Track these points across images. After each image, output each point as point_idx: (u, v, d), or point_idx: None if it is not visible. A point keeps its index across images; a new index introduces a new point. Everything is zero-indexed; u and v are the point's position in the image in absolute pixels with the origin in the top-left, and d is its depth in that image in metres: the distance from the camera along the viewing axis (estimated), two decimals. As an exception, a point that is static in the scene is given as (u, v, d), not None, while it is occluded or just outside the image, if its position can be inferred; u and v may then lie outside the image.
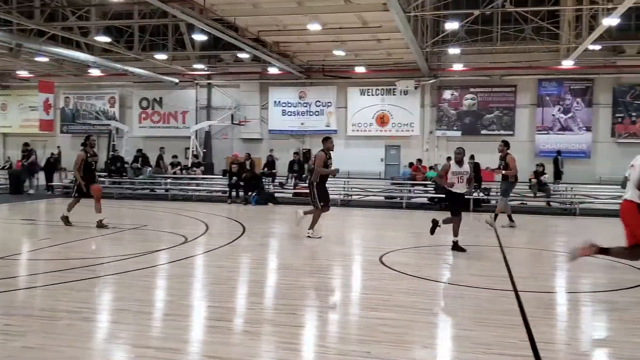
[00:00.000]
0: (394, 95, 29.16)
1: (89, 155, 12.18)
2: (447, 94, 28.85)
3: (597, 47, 23.21)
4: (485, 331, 5.40)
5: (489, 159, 25.67)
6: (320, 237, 11.19)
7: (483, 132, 28.35)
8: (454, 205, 10.10)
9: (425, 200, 19.52)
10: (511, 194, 19.22)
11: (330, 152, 11.37)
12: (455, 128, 28.72)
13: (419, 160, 23.39)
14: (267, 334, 5.34)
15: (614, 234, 13.64)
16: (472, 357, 4.74)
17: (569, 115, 27.88)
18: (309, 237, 11.15)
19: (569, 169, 26.13)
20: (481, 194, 18.64)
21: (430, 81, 28.34)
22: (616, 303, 6.67)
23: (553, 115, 27.96)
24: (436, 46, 25.73)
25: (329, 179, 11.62)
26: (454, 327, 5.71)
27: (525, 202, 18.81)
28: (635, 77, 26.95)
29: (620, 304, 6.59)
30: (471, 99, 28.59)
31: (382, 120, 29.51)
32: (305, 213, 11.41)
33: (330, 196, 20.62)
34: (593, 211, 17.32)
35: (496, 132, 28.10)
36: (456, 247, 9.87)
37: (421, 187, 20.33)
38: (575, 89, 27.80)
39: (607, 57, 26.09)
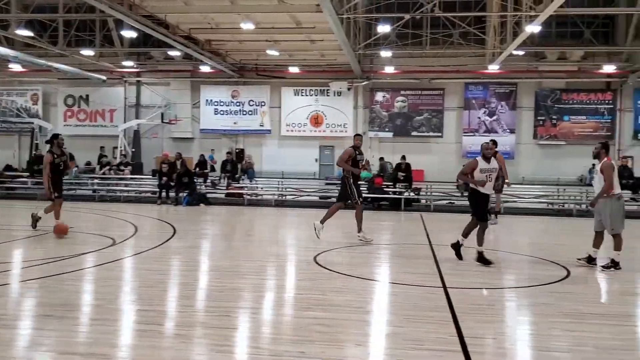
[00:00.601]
0: (328, 96, 29.37)
1: (55, 156, 11.10)
2: (379, 96, 29.32)
3: (521, 53, 24.21)
4: (416, 327, 5.52)
5: (419, 159, 26.40)
6: (371, 240, 10.94)
7: (413, 133, 29.00)
8: (479, 208, 8.94)
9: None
10: (440, 194, 19.86)
11: (359, 148, 11.09)
12: (387, 129, 29.24)
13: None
14: (199, 337, 5.25)
15: (536, 230, 14.31)
16: (404, 353, 4.84)
17: (494, 118, 28.96)
18: (361, 240, 10.82)
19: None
20: (412, 194, 19.06)
21: (363, 83, 28.73)
22: (538, 297, 6.97)
23: (479, 117, 28.95)
24: (368, 49, 26.11)
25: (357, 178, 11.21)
26: (386, 325, 5.80)
27: (452, 201, 19.39)
28: (556, 82, 28.31)
29: (542, 299, 6.89)
30: (402, 101, 29.19)
31: (316, 120, 29.66)
32: (322, 222, 11.03)
33: (264, 197, 20.74)
34: (517, 210, 18.06)
35: (426, 134, 28.84)
36: (482, 258, 8.83)
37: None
38: (500, 93, 28.90)
39: (529, 63, 27.26)
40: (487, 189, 8.84)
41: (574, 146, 28.06)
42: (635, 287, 7.93)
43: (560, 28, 28.17)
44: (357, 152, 10.97)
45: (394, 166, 21.13)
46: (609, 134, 27.99)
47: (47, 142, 11.53)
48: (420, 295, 6.85)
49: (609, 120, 28.30)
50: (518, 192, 20.60)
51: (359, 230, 11.06)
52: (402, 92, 29.13)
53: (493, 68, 25.77)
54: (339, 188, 11.53)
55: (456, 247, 9.19)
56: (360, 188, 11.37)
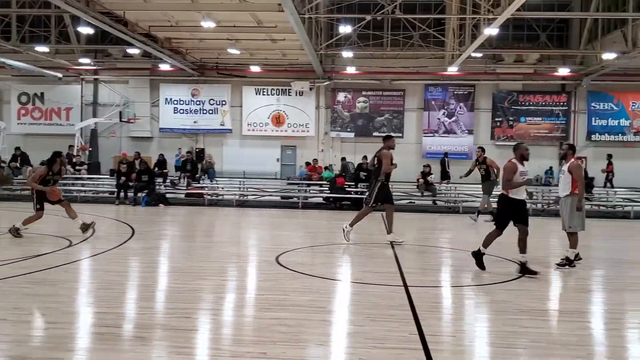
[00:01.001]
0: (290, 95, 29.33)
1: (51, 173, 11.03)
2: (340, 96, 29.44)
3: (479, 55, 24.67)
4: (377, 326, 5.56)
5: (380, 159, 26.55)
6: (403, 241, 10.87)
7: (375, 133, 29.22)
8: (507, 216, 8.22)
9: (320, 200, 19.81)
10: (400, 194, 20.06)
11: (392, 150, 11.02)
12: (349, 129, 29.39)
13: (315, 160, 23.71)
14: (158, 339, 5.17)
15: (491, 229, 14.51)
16: (365, 352, 4.87)
17: (453, 119, 29.43)
18: (392, 242, 10.71)
19: (453, 169, 27.55)
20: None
21: (325, 83, 28.80)
22: (496, 295, 7.12)
23: (438, 119, 29.37)
24: (330, 49, 26.20)
25: None
26: (348, 324, 5.83)
27: (413, 201, 19.64)
28: (513, 84, 28.95)
29: (499, 296, 7.04)
30: (363, 101, 29.38)
31: (277, 120, 29.57)
32: (352, 224, 10.95)
33: (225, 197, 20.56)
34: (475, 209, 18.37)
35: (387, 134, 29.09)
36: (525, 269, 8.07)
37: (317, 187, 20.60)
38: (459, 94, 29.39)
39: (487, 65, 27.80)
40: (521, 194, 8.22)
41: (530, 147, 28.62)
42: (589, 284, 8.17)
43: (517, 31, 28.83)
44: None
45: (355, 166, 21.26)
46: (564, 135, 28.78)
47: (48, 160, 11.24)
48: (382, 294, 6.91)
49: (564, 122, 29.09)
50: (476, 192, 20.94)
51: (389, 232, 10.92)
52: (364, 93, 29.32)
53: (452, 70, 26.18)
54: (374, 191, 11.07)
55: (525, 269, 8.08)
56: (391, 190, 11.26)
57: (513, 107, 29.17)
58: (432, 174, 20.14)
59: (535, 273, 7.98)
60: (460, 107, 29.36)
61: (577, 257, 8.94)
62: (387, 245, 10.75)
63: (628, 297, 7.36)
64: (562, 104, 29.11)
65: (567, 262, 8.76)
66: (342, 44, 26.06)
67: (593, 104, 28.95)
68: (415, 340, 5.15)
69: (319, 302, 6.49)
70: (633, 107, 28.59)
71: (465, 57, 23.46)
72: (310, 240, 11.58)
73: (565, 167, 8.99)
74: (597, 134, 28.83)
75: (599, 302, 7.15)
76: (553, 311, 6.50)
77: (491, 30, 18.52)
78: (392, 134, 25.31)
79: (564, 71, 27.10)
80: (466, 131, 29.31)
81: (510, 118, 29.17)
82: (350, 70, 27.47)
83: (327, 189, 19.65)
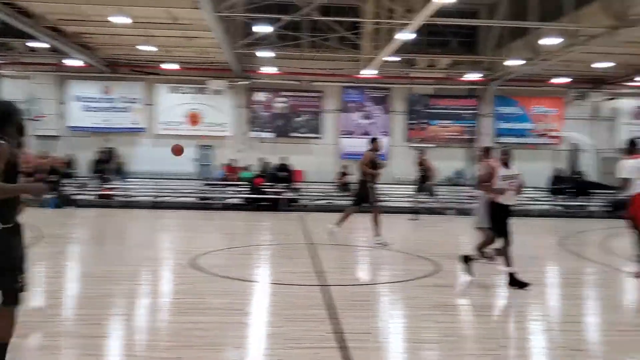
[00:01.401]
0: (206, 94, 28.80)
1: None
2: (259, 96, 29.27)
3: (394, 59, 25.29)
4: (295, 326, 5.57)
5: (299, 160, 26.71)
6: (388, 244, 10.81)
7: (294, 134, 29.30)
8: (500, 222, 7.61)
9: (239, 200, 19.61)
10: (319, 194, 20.22)
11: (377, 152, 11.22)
12: (268, 130, 29.29)
13: (233, 161, 23.42)
14: (68, 347, 4.93)
15: (409, 227, 14.96)
16: (284, 352, 4.86)
17: (370, 121, 30.03)
18: (378, 244, 10.72)
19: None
20: (291, 194, 19.25)
21: (243, 83, 28.55)
22: (411, 291, 7.32)
23: (356, 120, 29.89)
24: (248, 48, 26.00)
25: None
26: (266, 325, 5.80)
27: (331, 201, 19.87)
28: (426, 88, 29.92)
29: (414, 292, 7.24)
30: (282, 102, 29.38)
31: (193, 119, 28.99)
32: (339, 223, 11.04)
33: (138, 198, 19.92)
34: (391, 208, 18.84)
35: (306, 135, 29.25)
36: (515, 281, 7.55)
37: (235, 188, 20.38)
38: (375, 97, 30.00)
39: (402, 69, 28.56)
40: (507, 199, 7.64)
41: (442, 149, 29.76)
42: (497, 280, 8.55)
43: (430, 37, 29.82)
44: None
45: (274, 166, 21.23)
46: (473, 137, 30.08)
47: None
48: (300, 295, 6.92)
49: (473, 125, 30.41)
50: (392, 191, 21.50)
51: (376, 234, 10.95)
52: (283, 93, 29.32)
53: (368, 73, 26.71)
54: (357, 191, 11.36)
55: (514, 280, 7.61)
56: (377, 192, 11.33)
57: (426, 110, 30.15)
58: (350, 174, 20.45)
59: (525, 285, 7.47)
60: (376, 110, 30.01)
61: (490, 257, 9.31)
62: (305, 245, 10.80)
63: (532, 291, 7.77)
64: (471, 107, 30.40)
65: (488, 257, 9.15)
66: (260, 43, 25.93)
67: (499, 108, 30.47)
68: (332, 339, 5.20)
69: (236, 305, 6.41)
70: (535, 111, 30.34)
71: (381, 61, 24.00)
72: (228, 242, 11.44)
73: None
74: (503, 136, 30.32)
75: (506, 297, 7.51)
76: (464, 306, 6.76)
77: (405, 36, 19.03)
78: (312, 135, 25.49)
79: (473, 76, 28.31)
80: (383, 133, 29.98)
81: (423, 121, 30.13)
82: (269, 70, 27.39)
83: (245, 189, 19.49)
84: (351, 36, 25.08)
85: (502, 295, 7.63)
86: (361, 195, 11.24)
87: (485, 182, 7.75)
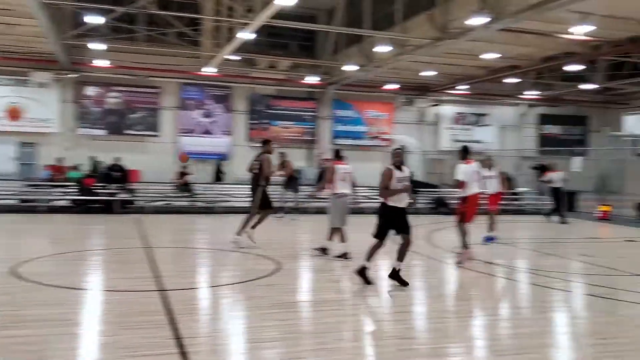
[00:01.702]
0: (29, 87, 26.38)
1: None
2: (90, 91, 27.47)
3: (235, 58, 25.19)
4: (131, 334, 5.30)
5: (135, 159, 25.52)
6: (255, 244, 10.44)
7: (128, 132, 27.94)
8: (387, 225, 7.66)
9: (67, 202, 18.19)
10: (156, 195, 19.52)
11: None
12: (99, 127, 27.57)
13: (60, 160, 21.71)
14: None
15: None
16: (118, 363, 4.60)
17: (211, 119, 29.63)
18: (235, 242, 10.44)
19: (211, 170, 27.72)
20: (126, 195, 18.32)
21: (71, 75, 26.58)
22: (253, 291, 7.32)
23: (196, 118, 29.31)
24: (78, 39, 24.26)
25: None
26: (99, 335, 5.44)
27: (170, 202, 19.22)
28: (267, 88, 30.24)
29: (256, 292, 7.25)
30: (116, 97, 27.87)
31: (13, 114, 26.39)
32: (253, 227, 10.59)
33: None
34: (232, 209, 18.73)
35: (142, 132, 28.04)
36: (397, 276, 7.72)
37: (62, 189, 18.86)
38: (216, 95, 29.67)
39: (243, 68, 28.56)
40: (400, 201, 7.65)
41: (283, 149, 30.23)
42: (339, 276, 8.88)
43: (271, 38, 30.19)
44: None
45: (107, 166, 20.04)
46: (313, 138, 30.99)
47: None
48: (136, 301, 6.61)
49: (312, 126, 31.34)
50: (233, 191, 21.37)
51: (238, 234, 10.60)
52: (117, 88, 27.80)
53: (209, 71, 26.31)
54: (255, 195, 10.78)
55: (396, 275, 7.74)
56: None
57: (267, 110, 30.48)
58: (190, 173, 19.97)
59: (406, 284, 7.64)
60: (217, 108, 29.68)
61: (325, 251, 9.69)
62: (141, 249, 10.32)
63: (367, 285, 8.18)
64: (310, 109, 31.32)
65: (343, 255, 9.52)
66: (92, 35, 24.32)
67: (337, 111, 31.76)
68: (171, 345, 5.02)
69: (65, 315, 5.93)
70: (369, 115, 32.08)
71: (222, 59, 23.77)
72: (54, 248, 10.56)
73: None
74: (340, 138, 31.65)
75: (344, 292, 7.82)
76: (306, 302, 6.91)
77: (245, 35, 19.04)
78: (149, 132, 24.71)
79: (312, 79, 29.17)
80: (224, 132, 29.74)
81: (265, 121, 30.42)
82: (102, 63, 25.80)
83: (74, 191, 18.15)
84: (191, 32, 24.54)
85: (340, 290, 7.93)
86: (264, 199, 10.85)
87: (386, 187, 7.59)
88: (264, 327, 5.72)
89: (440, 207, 18.63)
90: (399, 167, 7.77)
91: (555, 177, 16.97)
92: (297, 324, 5.88)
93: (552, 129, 35.45)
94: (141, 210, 17.65)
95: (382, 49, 21.64)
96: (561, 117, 35.37)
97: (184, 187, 19.20)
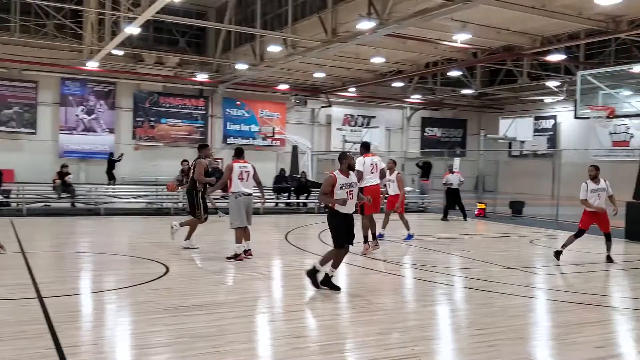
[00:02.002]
0: None
1: None
2: (-45, 83, 25.20)
3: (120, 53, 24.18)
4: (7, 346, 4.93)
5: (8, 157, 23.75)
6: (198, 248, 10.39)
7: (2, 128, 25.95)
8: (344, 232, 7.40)
9: None
10: (34, 196, 18.30)
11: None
12: (-34, 123, 25.36)
13: None
14: None
15: (136, 230, 14.46)
16: (-10, 379, 4.25)
17: (93, 116, 28.22)
18: (187, 248, 10.28)
19: (94, 169, 26.44)
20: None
21: None
22: (139, 296, 7.06)
23: (77, 115, 27.78)
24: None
25: None
26: (-33, 350, 5.01)
27: (49, 204, 18.04)
28: (153, 85, 29.27)
29: (142, 297, 7.00)
30: (-14, 91, 25.77)
31: None
32: (182, 224, 10.52)
33: None
34: (116, 210, 17.96)
35: (16, 130, 26.17)
36: (329, 282, 7.47)
37: None
38: (99, 91, 28.33)
39: (128, 64, 27.47)
40: (348, 208, 7.40)
41: (171, 148, 29.51)
42: (231, 277, 8.78)
43: (158, 33, 29.29)
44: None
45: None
46: (203, 137, 30.42)
47: None
48: (11, 310, 6.15)
49: (202, 125, 30.77)
50: (118, 192, 20.50)
51: (187, 238, 10.48)
52: (-13, 82, 25.73)
53: (91, 65, 25.05)
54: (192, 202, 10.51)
55: (328, 281, 7.48)
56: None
57: (154, 108, 29.52)
58: (70, 173, 18.84)
59: (338, 289, 7.47)
60: (100, 105, 28.33)
61: (238, 255, 9.55)
62: (17, 254, 9.62)
63: (259, 284, 8.18)
64: (200, 108, 30.74)
65: (233, 256, 9.41)
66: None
67: (228, 110, 31.41)
68: (52, 355, 4.73)
69: None
70: (261, 114, 32.03)
71: (105, 54, 22.73)
72: None
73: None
74: (231, 137, 31.33)
75: (236, 292, 7.76)
76: (194, 306, 6.77)
77: (131, 30, 18.34)
78: (25, 130, 23.34)
79: (202, 77, 28.63)
80: (107, 130, 28.44)
81: (152, 119, 29.45)
82: (-31, 54, 23.77)
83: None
84: (72, 25, 23.23)
85: (232, 291, 7.87)
86: (199, 205, 10.50)
87: (326, 193, 7.34)
88: (152, 332, 5.54)
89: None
90: (346, 173, 7.47)
91: (452, 179, 17.99)
92: (188, 328, 5.74)
93: (434, 131, 37.38)
94: (17, 213, 16.43)
95: (273, 48, 21.73)
96: (442, 120, 37.42)
97: (63, 187, 18.05)
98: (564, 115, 31.12)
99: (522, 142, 25.82)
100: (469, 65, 27.48)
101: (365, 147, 10.68)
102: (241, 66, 25.02)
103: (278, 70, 25.51)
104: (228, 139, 31.19)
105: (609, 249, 10.36)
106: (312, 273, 7.47)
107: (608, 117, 14.93)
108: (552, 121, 32.86)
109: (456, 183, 17.88)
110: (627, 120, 23.40)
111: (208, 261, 9.67)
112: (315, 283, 7.44)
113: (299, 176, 20.75)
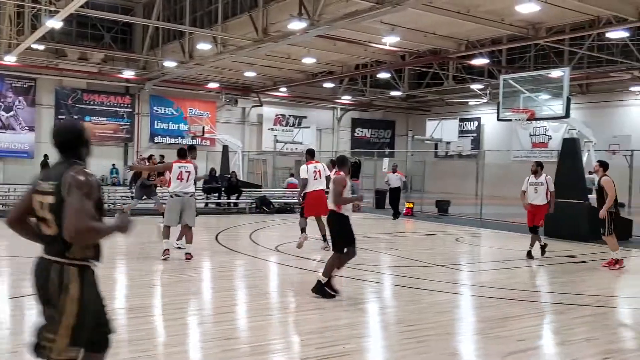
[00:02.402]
0: None
1: None
2: None
3: (41, 47, 23.13)
4: None
5: None
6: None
7: None
8: (350, 235, 7.20)
9: None
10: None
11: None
12: None
13: None
14: None
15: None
16: None
17: (11, 113, 26.85)
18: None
19: (12, 169, 25.17)
20: None
21: None
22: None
23: (-6, 112, 26.34)
24: None
25: None
26: None
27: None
28: (77, 82, 28.16)
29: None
30: None
31: None
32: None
33: None
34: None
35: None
36: (330, 287, 7.22)
37: None
38: (18, 87, 26.98)
39: (50, 59, 26.30)
40: (350, 211, 7.35)
41: (95, 147, 28.44)
42: (153, 279, 8.56)
43: (82, 28, 28.20)
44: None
45: None
46: (129, 136, 29.56)
47: None
48: None
49: (129, 123, 29.88)
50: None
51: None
52: None
53: (9, 60, 23.81)
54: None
55: (329, 287, 7.24)
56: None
57: (77, 105, 28.42)
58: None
59: (334, 294, 7.21)
60: (19, 102, 26.98)
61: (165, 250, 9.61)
62: None
63: (190, 287, 8.01)
64: (126, 105, 29.85)
65: (191, 256, 9.56)
66: None
67: (155, 108, 30.64)
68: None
69: None
70: (191, 113, 31.45)
71: (25, 48, 21.66)
72: None
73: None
74: (159, 136, 30.60)
75: (164, 295, 7.57)
76: (120, 309, 6.56)
77: (53, 23, 17.58)
78: None
79: (128, 74, 27.80)
80: (27, 128, 27.12)
81: (75, 116, 28.31)
82: None
83: None
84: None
85: (161, 293, 7.68)
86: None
87: (341, 193, 7.09)
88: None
89: (262, 206, 18.88)
90: (348, 173, 7.46)
91: (392, 178, 18.46)
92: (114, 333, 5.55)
93: (364, 132, 37.97)
94: None
95: (203, 46, 21.39)
96: (372, 121, 38.06)
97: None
98: (488, 117, 32.33)
99: (448, 143, 26.67)
100: (397, 68, 28.08)
101: (310, 154, 11.03)
102: (169, 63, 24.49)
103: (208, 68, 25.14)
104: (156, 138, 30.44)
105: (532, 244, 10.88)
106: (319, 288, 7.15)
107: (528, 119, 15.61)
108: (476, 123, 34.08)
109: (395, 182, 18.38)
110: (545, 122, 24.62)
111: (135, 263, 9.40)
112: (327, 294, 7.14)
113: (229, 176, 20.51)
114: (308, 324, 6.13)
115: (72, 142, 3.20)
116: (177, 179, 9.51)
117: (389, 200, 18.62)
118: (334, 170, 7.70)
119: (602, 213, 9.66)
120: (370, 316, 6.81)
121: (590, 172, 12.45)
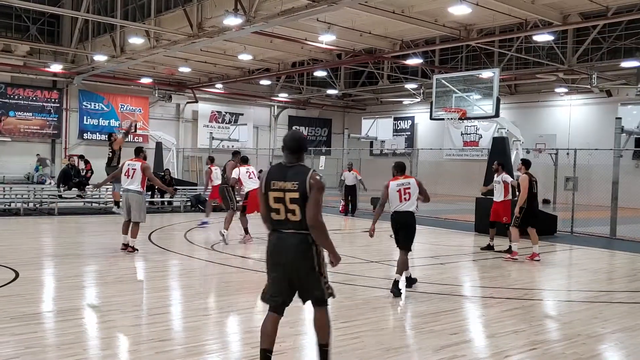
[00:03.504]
0: None
1: None
2: None
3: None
4: None
5: None
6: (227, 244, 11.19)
7: None
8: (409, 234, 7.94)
9: None
10: None
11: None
12: None
13: None
14: None
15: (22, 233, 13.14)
16: None
17: None
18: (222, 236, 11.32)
19: None
20: None
21: None
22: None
23: None
24: None
25: None
26: None
27: None
28: (1, 75, 26.83)
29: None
30: None
31: None
32: (226, 228, 11.45)
33: None
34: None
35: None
36: (409, 281, 8.03)
37: None
38: None
39: (-31, 50, 24.92)
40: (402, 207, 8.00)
41: (20, 143, 27.30)
42: (83, 281, 8.26)
43: (5, 19, 26.88)
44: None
45: None
46: (56, 132, 28.42)
47: None
48: None
49: (56, 119, 28.72)
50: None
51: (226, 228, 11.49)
52: None
53: None
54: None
55: (409, 281, 8.03)
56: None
57: (1, 99, 27.09)
58: None
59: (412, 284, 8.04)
60: None
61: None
62: None
63: (122, 287, 7.78)
64: (54, 100, 28.69)
65: (132, 249, 9.88)
66: None
67: (85, 103, 29.59)
68: None
69: None
70: (122, 108, 30.56)
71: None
72: None
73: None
74: (88, 132, 29.58)
75: (94, 297, 7.32)
76: (47, 313, 6.30)
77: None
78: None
79: (55, 67, 26.72)
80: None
81: (-1, 111, 26.99)
82: None
83: None
84: None
85: (91, 295, 7.43)
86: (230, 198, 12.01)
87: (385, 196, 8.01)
88: (-2, 344, 5.06)
89: (197, 204, 18.59)
90: (401, 173, 8.34)
91: (348, 176, 18.81)
92: (39, 337, 5.32)
93: (301, 130, 37.98)
94: None
95: (135, 40, 20.82)
96: (309, 119, 38.19)
97: None
98: (421, 117, 33.05)
99: (383, 141, 27.12)
100: (333, 66, 28.27)
101: (244, 160, 11.99)
102: (100, 57, 23.71)
103: (140, 63, 24.49)
104: (85, 134, 29.40)
105: (491, 237, 11.66)
106: (396, 287, 7.51)
107: (460, 118, 16.09)
108: (410, 122, 34.78)
109: (351, 181, 18.77)
110: (476, 121, 25.43)
111: (64, 265, 9.05)
112: (398, 293, 7.50)
113: (162, 173, 20.05)
114: (244, 324, 6.08)
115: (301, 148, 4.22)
116: (125, 175, 9.91)
117: (345, 198, 19.15)
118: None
119: (516, 210, 10.50)
120: (307, 314, 6.82)
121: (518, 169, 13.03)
